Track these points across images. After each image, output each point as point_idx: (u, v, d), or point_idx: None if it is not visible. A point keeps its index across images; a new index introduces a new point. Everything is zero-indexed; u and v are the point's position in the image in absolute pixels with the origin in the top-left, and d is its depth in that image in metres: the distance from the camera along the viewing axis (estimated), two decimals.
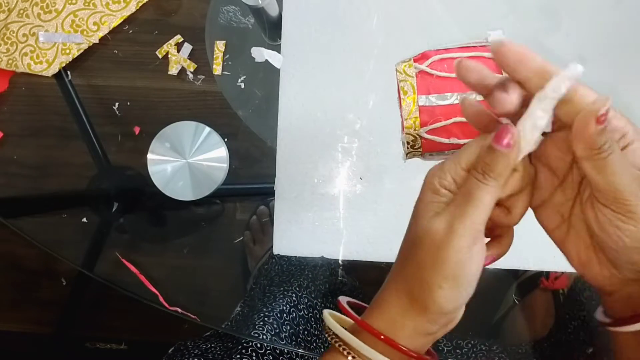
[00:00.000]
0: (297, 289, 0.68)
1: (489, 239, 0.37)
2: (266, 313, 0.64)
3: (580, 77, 0.30)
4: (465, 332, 0.67)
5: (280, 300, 0.66)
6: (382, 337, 0.34)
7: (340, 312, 0.38)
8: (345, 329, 0.36)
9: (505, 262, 0.61)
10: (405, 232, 0.37)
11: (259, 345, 0.62)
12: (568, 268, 0.62)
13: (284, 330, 0.64)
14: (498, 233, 0.37)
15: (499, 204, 0.35)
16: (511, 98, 0.31)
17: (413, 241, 0.34)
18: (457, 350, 0.65)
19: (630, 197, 0.30)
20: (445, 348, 0.65)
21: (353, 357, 0.35)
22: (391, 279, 0.37)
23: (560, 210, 0.35)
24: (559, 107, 0.30)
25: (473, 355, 0.65)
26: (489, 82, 0.32)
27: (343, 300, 0.39)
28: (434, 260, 0.33)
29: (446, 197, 0.34)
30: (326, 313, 0.38)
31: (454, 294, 0.33)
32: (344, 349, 0.35)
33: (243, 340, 0.62)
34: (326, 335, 0.37)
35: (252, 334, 0.61)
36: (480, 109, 0.34)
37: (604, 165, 0.30)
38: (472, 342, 0.66)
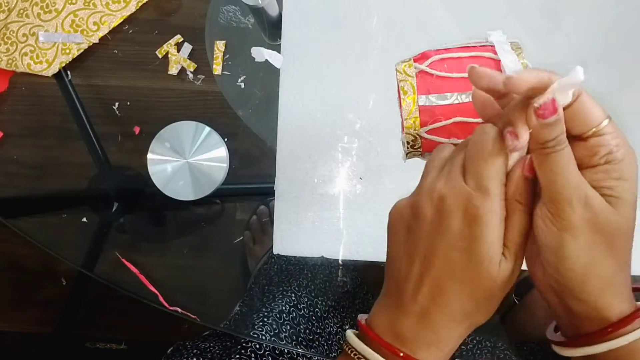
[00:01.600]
0: (297, 288, 0.68)
1: None
2: (265, 313, 0.64)
3: (582, 81, 0.30)
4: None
5: (280, 301, 0.66)
6: (402, 354, 0.34)
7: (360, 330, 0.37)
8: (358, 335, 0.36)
9: None
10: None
11: (257, 345, 0.62)
12: None
13: (284, 330, 0.64)
14: None
15: None
16: (521, 143, 0.31)
17: (489, 287, 0.33)
18: (462, 347, 0.65)
19: (561, 201, 0.30)
20: None
21: None
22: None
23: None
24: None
25: (478, 351, 0.65)
26: (500, 89, 0.32)
27: (363, 318, 0.38)
28: (468, 256, 0.33)
29: (503, 231, 0.33)
30: (350, 334, 0.37)
31: (485, 299, 0.34)
32: None
33: (242, 340, 0.62)
34: (347, 350, 0.36)
35: (251, 334, 0.61)
36: (489, 100, 0.35)
37: (545, 161, 0.30)
38: (477, 338, 0.66)
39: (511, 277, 0.33)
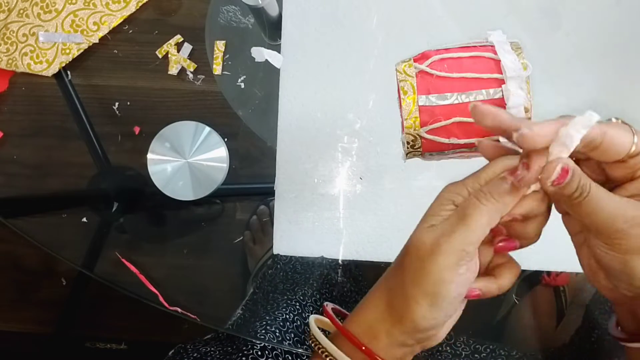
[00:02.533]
0: (302, 297, 0.68)
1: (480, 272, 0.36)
2: (269, 321, 0.64)
3: (593, 124, 0.30)
4: (466, 332, 0.67)
5: (284, 310, 0.66)
6: (363, 347, 0.34)
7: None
8: (330, 333, 0.37)
9: None
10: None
11: (259, 352, 0.61)
12: (569, 268, 0.62)
13: (287, 338, 0.63)
14: (498, 265, 0.36)
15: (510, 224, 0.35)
16: (531, 176, 0.31)
17: (406, 249, 0.34)
18: (476, 355, 0.65)
19: (610, 233, 0.31)
20: (463, 352, 0.65)
21: None
22: (377, 284, 0.37)
23: (580, 222, 0.35)
24: (591, 153, 0.31)
25: (492, 359, 0.65)
26: (506, 126, 0.32)
27: (328, 306, 0.39)
28: (416, 273, 0.33)
29: (449, 212, 0.33)
30: (312, 319, 0.38)
31: (430, 313, 0.33)
32: (326, 356, 0.35)
33: (243, 347, 0.62)
34: (310, 341, 0.37)
35: (253, 341, 0.61)
36: (497, 148, 0.35)
37: (578, 208, 0.31)
38: (490, 346, 0.66)
39: (437, 239, 0.33)
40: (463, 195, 0.33)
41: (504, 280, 0.35)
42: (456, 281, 0.32)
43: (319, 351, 0.36)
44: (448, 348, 0.65)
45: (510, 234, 0.36)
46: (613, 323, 0.38)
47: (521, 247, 0.36)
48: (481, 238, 0.32)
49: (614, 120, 0.32)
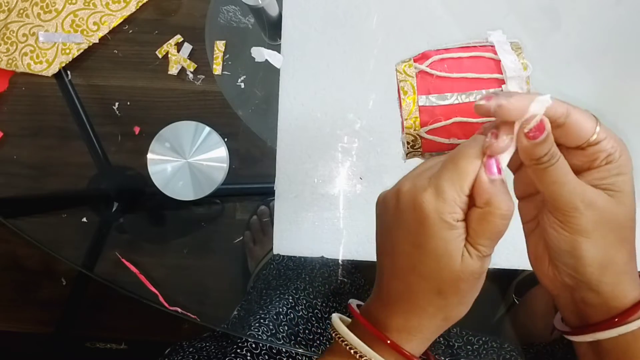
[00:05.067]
0: (294, 291, 0.68)
1: None
2: (262, 315, 0.64)
3: (548, 106, 0.31)
4: (463, 325, 0.67)
5: (277, 303, 0.66)
6: (389, 341, 0.35)
7: (351, 316, 0.38)
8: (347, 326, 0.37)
9: (505, 262, 0.61)
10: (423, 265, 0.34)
11: (254, 345, 0.62)
12: None
13: (281, 330, 0.64)
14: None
15: None
16: (499, 144, 0.32)
17: (454, 282, 0.33)
18: (469, 347, 0.66)
19: (567, 209, 0.32)
20: (456, 344, 0.66)
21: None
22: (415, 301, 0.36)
23: (537, 207, 0.36)
24: (553, 132, 0.31)
25: (484, 352, 0.65)
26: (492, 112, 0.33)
27: (353, 303, 0.39)
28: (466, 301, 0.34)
29: (461, 230, 0.33)
30: (336, 318, 0.38)
31: (467, 308, 0.35)
32: (355, 353, 0.35)
33: (238, 340, 0.62)
34: (335, 336, 0.37)
35: (247, 334, 0.61)
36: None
37: (543, 175, 0.31)
38: (483, 338, 0.66)
39: (480, 271, 0.33)
40: (457, 212, 0.33)
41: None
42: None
43: (347, 347, 0.36)
44: (441, 339, 0.65)
45: None
46: (558, 317, 0.38)
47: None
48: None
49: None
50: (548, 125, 0.31)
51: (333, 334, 0.37)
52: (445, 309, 0.34)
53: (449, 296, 0.33)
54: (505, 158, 0.33)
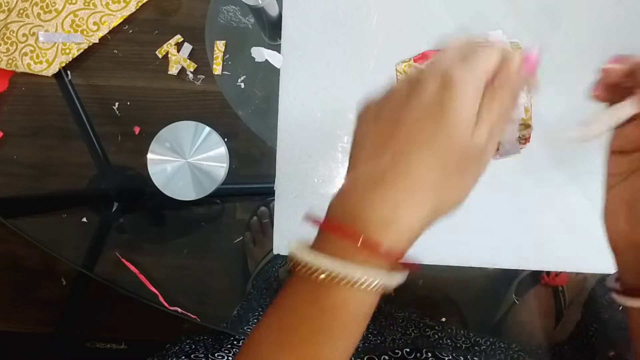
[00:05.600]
0: None
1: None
2: (261, 312, 0.64)
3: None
4: (466, 328, 0.67)
5: None
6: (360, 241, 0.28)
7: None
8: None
9: (505, 262, 0.61)
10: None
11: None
12: (567, 268, 0.62)
13: None
14: None
15: None
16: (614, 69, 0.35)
17: (462, 155, 0.31)
18: (476, 348, 0.65)
19: None
20: (463, 345, 0.65)
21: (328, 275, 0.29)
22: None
23: (630, 164, 0.36)
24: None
25: (491, 352, 0.65)
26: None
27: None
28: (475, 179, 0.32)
29: (478, 105, 0.31)
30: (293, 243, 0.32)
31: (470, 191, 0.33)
32: (326, 276, 0.29)
33: (235, 334, 0.62)
34: (296, 269, 0.31)
35: (245, 329, 0.61)
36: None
37: None
38: (490, 339, 0.66)
39: (484, 151, 0.31)
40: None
41: None
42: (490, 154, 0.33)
43: (322, 277, 0.29)
44: (448, 341, 0.65)
45: None
46: (613, 278, 0.37)
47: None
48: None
49: None
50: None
51: (293, 268, 0.31)
52: (440, 191, 0.30)
53: (451, 171, 0.30)
54: (510, 130, 0.33)
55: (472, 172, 0.32)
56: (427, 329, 0.66)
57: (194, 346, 0.65)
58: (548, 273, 0.66)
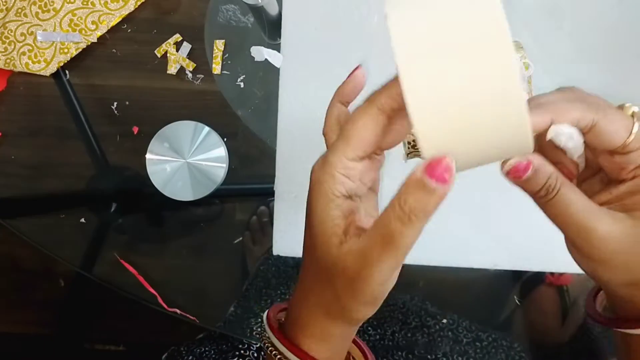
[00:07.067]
0: None
1: None
2: (261, 315, 0.64)
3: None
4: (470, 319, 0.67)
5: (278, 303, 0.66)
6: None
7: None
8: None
9: (509, 263, 0.61)
10: (306, 234, 0.32)
11: (255, 354, 0.61)
12: (570, 269, 0.62)
13: None
14: None
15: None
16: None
17: (326, 268, 0.30)
18: (477, 343, 0.65)
19: (576, 241, 0.29)
20: (464, 339, 0.65)
21: None
22: (309, 300, 0.33)
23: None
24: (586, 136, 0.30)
25: (493, 350, 0.65)
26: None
27: (277, 308, 0.37)
28: (352, 292, 0.29)
29: (344, 207, 0.29)
30: (266, 325, 0.35)
31: (373, 309, 0.31)
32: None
33: (239, 345, 0.62)
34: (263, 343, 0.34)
35: (248, 336, 0.61)
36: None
37: (545, 207, 0.30)
38: (492, 335, 0.66)
39: (365, 263, 0.27)
40: (346, 185, 0.29)
41: None
42: (392, 280, 0.29)
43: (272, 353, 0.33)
44: (450, 333, 0.65)
45: None
46: (598, 302, 0.37)
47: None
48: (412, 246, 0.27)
49: (627, 105, 0.30)
50: (538, 160, 0.28)
51: (263, 343, 0.34)
52: (340, 308, 0.30)
53: (340, 289, 0.29)
54: None
55: (359, 284, 0.28)
56: (428, 318, 0.65)
57: None
58: (552, 273, 0.66)
